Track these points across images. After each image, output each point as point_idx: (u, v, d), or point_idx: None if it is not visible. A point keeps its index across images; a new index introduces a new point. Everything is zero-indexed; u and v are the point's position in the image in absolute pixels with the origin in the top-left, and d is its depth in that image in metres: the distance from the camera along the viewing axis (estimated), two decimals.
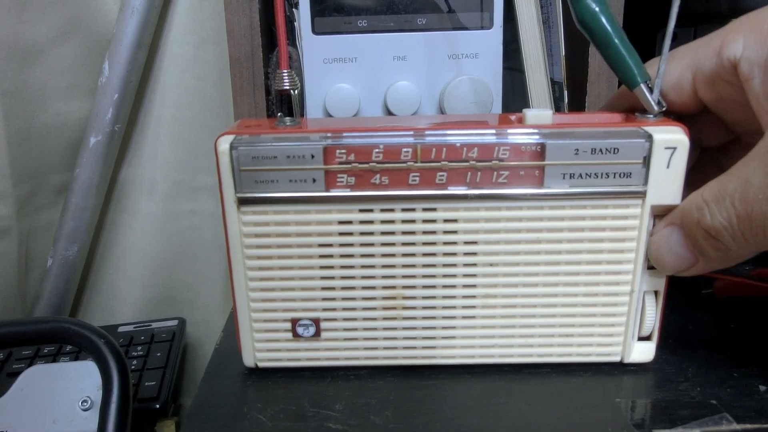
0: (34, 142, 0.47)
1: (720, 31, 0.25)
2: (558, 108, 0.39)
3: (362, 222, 0.26)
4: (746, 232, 0.23)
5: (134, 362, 0.45)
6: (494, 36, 0.37)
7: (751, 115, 0.24)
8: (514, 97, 0.39)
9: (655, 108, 0.26)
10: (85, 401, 0.35)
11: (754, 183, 0.22)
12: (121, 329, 0.50)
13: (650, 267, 0.27)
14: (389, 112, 0.38)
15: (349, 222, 0.26)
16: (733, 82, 0.24)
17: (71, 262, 0.51)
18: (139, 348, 0.47)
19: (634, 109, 0.27)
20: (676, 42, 0.26)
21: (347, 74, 0.37)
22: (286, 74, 0.28)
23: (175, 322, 0.51)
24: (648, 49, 0.46)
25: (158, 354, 0.46)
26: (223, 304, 0.56)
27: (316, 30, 0.37)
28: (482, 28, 0.37)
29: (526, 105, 0.38)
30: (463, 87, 0.37)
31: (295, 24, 0.37)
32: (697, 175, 0.26)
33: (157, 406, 0.41)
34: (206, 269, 0.55)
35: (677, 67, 0.26)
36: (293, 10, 0.37)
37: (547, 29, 0.38)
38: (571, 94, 0.39)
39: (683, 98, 0.26)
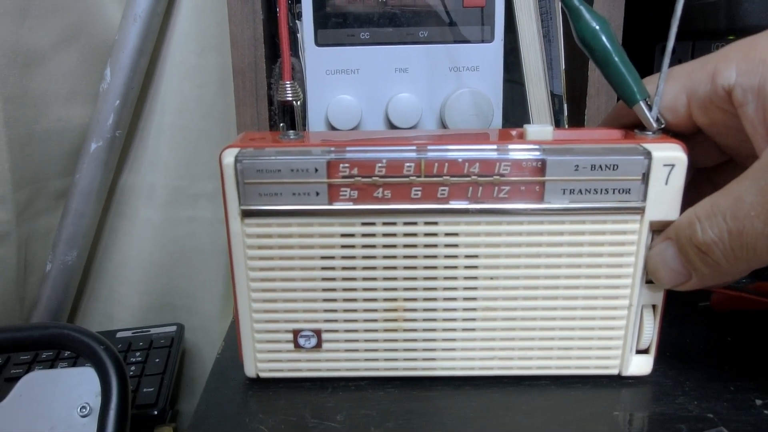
0: (34, 148, 0.47)
1: (713, 56, 0.25)
2: (557, 121, 0.39)
3: (364, 235, 0.27)
4: (736, 249, 0.23)
5: (132, 368, 0.45)
6: (495, 49, 0.37)
7: (744, 140, 0.24)
8: (515, 110, 0.40)
9: (654, 125, 0.27)
10: (83, 407, 0.35)
11: (747, 200, 0.22)
12: (119, 335, 0.50)
13: (648, 281, 0.27)
14: (390, 124, 0.38)
15: (352, 235, 0.27)
16: (726, 109, 0.25)
17: (70, 267, 0.51)
18: (138, 354, 0.47)
19: (632, 125, 0.28)
20: (674, 56, 0.26)
21: (349, 86, 0.37)
22: (289, 85, 0.29)
23: (173, 328, 0.51)
24: (647, 61, 0.46)
25: (156, 360, 0.46)
26: (222, 311, 0.56)
27: (319, 42, 0.37)
28: (483, 41, 0.37)
29: (527, 118, 0.38)
30: (463, 99, 0.37)
31: (298, 35, 0.37)
32: (692, 193, 0.26)
33: (155, 412, 0.41)
34: (205, 276, 0.55)
35: (672, 90, 0.26)
36: (296, 21, 0.37)
37: (548, 43, 0.38)
38: (571, 108, 0.39)
39: (679, 120, 0.27)
